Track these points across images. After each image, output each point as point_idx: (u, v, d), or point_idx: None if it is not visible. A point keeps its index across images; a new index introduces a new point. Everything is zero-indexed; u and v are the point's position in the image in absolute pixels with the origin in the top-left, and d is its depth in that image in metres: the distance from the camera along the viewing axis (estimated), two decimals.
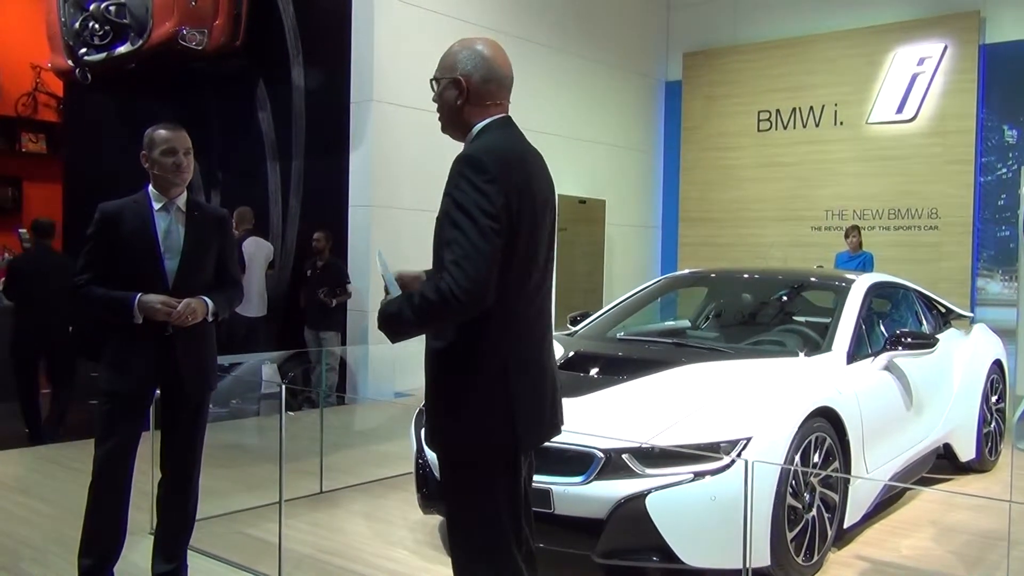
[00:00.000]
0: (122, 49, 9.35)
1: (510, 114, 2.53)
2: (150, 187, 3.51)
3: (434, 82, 2.51)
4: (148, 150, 3.46)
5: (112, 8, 9.35)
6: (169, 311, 3.35)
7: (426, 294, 2.28)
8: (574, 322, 5.62)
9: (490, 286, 2.26)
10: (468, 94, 2.44)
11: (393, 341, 2.41)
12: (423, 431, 2.58)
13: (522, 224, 2.35)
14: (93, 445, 3.47)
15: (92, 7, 9.45)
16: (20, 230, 12.25)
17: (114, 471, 3.45)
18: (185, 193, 3.55)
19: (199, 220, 3.56)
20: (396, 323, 2.37)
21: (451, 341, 2.38)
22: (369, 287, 8.74)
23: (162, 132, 3.47)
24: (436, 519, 4.61)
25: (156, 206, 3.48)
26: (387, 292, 2.46)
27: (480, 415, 2.38)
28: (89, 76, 9.82)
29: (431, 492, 4.21)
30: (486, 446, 2.39)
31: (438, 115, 2.53)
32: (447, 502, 2.52)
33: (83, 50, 9.65)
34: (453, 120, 2.50)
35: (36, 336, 7.23)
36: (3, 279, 8.69)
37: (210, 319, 3.54)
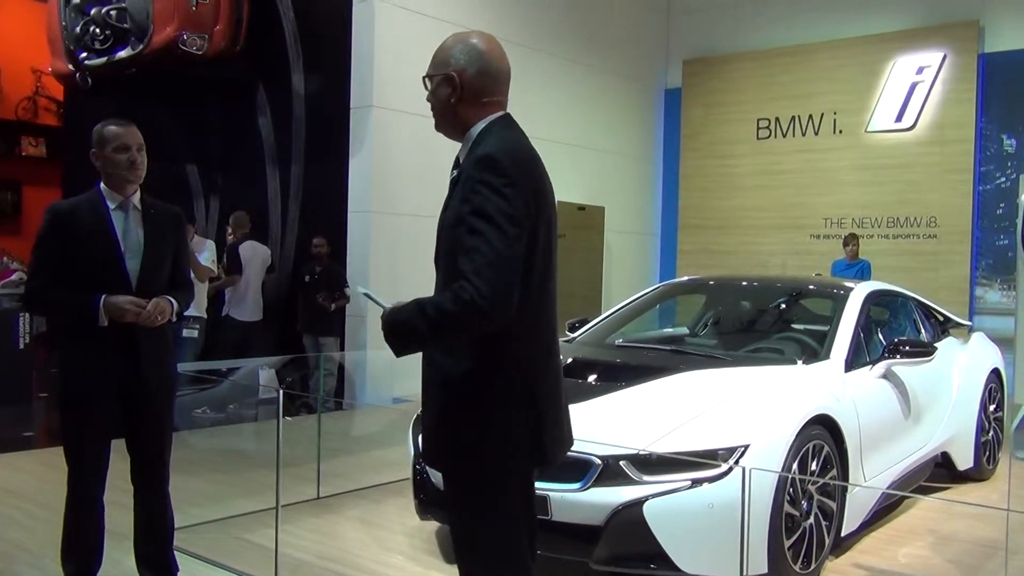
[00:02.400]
0: (123, 53, 9.37)
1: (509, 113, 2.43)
2: (102, 185, 3.38)
3: (427, 80, 2.37)
4: (99, 148, 3.33)
5: (113, 13, 9.37)
6: (138, 311, 3.26)
7: (443, 304, 2.11)
8: (572, 328, 5.61)
9: (514, 296, 2.11)
10: (462, 90, 2.30)
11: (399, 354, 2.23)
12: (422, 449, 2.46)
13: (539, 229, 2.23)
14: (63, 454, 3.42)
15: (93, 11, 9.48)
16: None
17: (89, 480, 3.39)
18: (139, 191, 3.43)
19: (155, 218, 3.45)
20: (406, 333, 2.19)
21: (471, 357, 2.22)
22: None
23: (113, 128, 3.33)
24: (433, 525, 4.61)
25: (111, 205, 3.35)
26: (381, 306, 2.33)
27: (506, 433, 2.23)
28: (89, 80, 9.84)
29: (428, 498, 4.20)
30: (510, 463, 2.27)
31: (432, 113, 2.40)
32: (459, 521, 2.38)
33: (84, 54, 9.68)
34: (448, 118, 2.36)
35: None
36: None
37: (174, 319, 3.46)
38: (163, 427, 3.52)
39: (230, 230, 8.68)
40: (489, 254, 2.08)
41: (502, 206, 2.12)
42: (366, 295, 2.44)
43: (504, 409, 2.24)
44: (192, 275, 4.70)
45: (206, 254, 7.82)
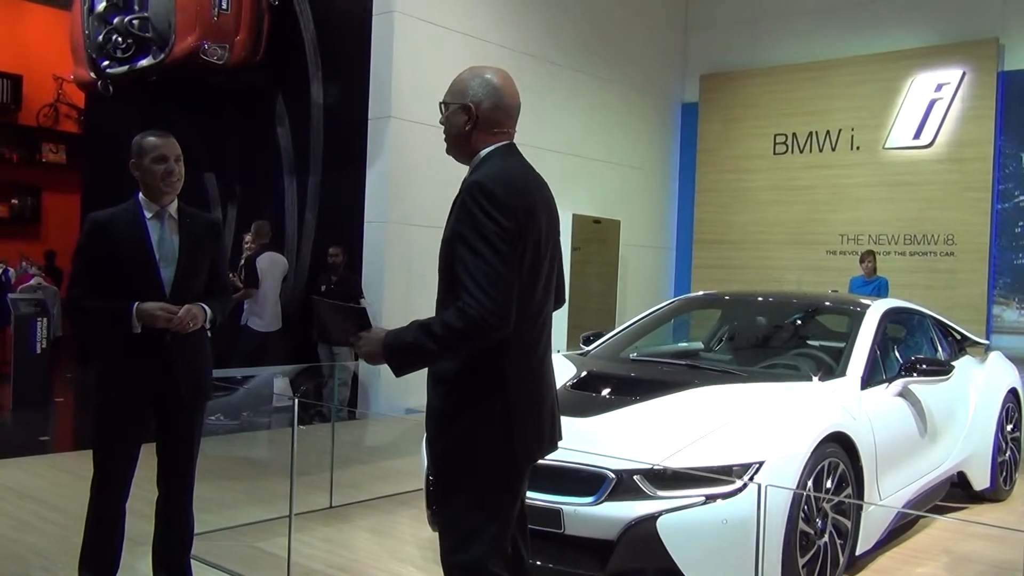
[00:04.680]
0: (144, 62, 9.48)
1: (515, 140, 2.60)
2: (140, 195, 3.44)
3: (443, 105, 2.58)
4: (137, 158, 3.39)
5: (135, 22, 9.48)
6: (169, 317, 3.30)
7: (450, 322, 2.30)
8: (587, 341, 5.60)
9: (513, 309, 2.32)
10: (477, 120, 2.52)
11: (400, 374, 2.42)
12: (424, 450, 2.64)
13: (526, 249, 2.41)
14: (92, 459, 3.45)
15: (116, 20, 9.59)
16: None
17: (113, 485, 3.42)
18: (176, 200, 3.49)
19: (191, 227, 3.50)
20: (412, 354, 2.38)
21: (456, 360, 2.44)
22: (383, 302, 8.77)
23: (151, 139, 3.39)
24: None
25: (148, 214, 3.41)
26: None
27: (476, 431, 2.42)
28: (111, 88, 9.95)
29: (436, 493, 4.19)
30: (479, 461, 2.43)
31: (444, 136, 2.61)
32: (438, 512, 2.57)
33: (106, 62, 9.79)
34: (459, 144, 2.57)
35: None
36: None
37: (207, 326, 3.50)
38: (193, 432, 3.56)
39: (248, 239, 8.70)
40: (489, 272, 2.29)
41: (494, 227, 2.32)
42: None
43: (478, 411, 2.42)
44: None
45: None
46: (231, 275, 8.37)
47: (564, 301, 2.79)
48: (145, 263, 3.37)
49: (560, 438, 2.66)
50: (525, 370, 2.49)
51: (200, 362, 3.54)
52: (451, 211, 2.45)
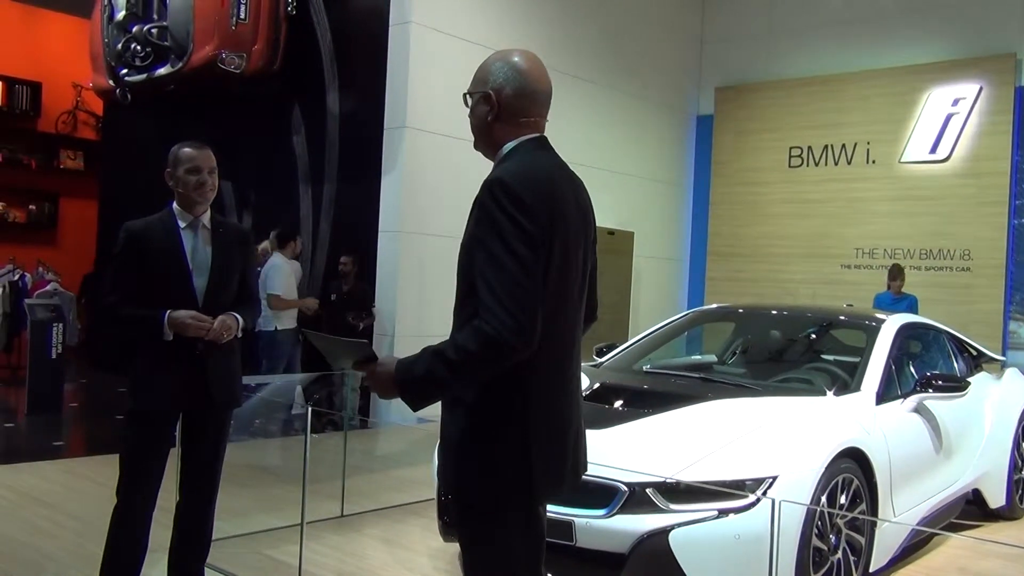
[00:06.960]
0: (162, 71, 9.56)
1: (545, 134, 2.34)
2: (174, 205, 3.50)
3: (467, 96, 2.34)
4: (172, 168, 3.46)
5: (154, 31, 9.56)
6: (200, 326, 3.35)
7: (464, 345, 2.02)
8: (600, 353, 5.60)
9: (538, 323, 2.04)
10: (499, 109, 2.26)
11: (418, 408, 2.12)
12: (435, 468, 2.47)
13: (553, 255, 2.12)
14: (119, 463, 3.47)
15: (135, 29, 9.68)
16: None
17: (141, 493, 3.44)
18: (208, 211, 3.55)
19: (224, 237, 3.56)
20: (426, 385, 2.10)
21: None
22: (395, 311, 8.78)
23: (187, 150, 3.46)
24: (456, 547, 4.59)
25: (182, 224, 3.47)
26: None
27: (494, 462, 2.15)
28: (129, 96, 10.03)
29: (452, 520, 4.19)
30: (497, 494, 2.18)
31: (471, 131, 2.37)
32: (460, 543, 2.34)
33: (124, 70, 9.88)
34: (484, 136, 2.32)
35: None
36: None
37: (239, 335, 3.55)
38: (221, 439, 3.60)
39: (264, 246, 8.69)
40: (508, 282, 2.01)
41: (515, 231, 2.05)
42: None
43: (495, 443, 2.16)
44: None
45: None
46: None
47: (596, 319, 2.56)
48: (179, 272, 3.42)
49: (585, 470, 2.42)
50: (550, 396, 2.20)
51: (231, 369, 3.58)
52: (470, 213, 2.18)
